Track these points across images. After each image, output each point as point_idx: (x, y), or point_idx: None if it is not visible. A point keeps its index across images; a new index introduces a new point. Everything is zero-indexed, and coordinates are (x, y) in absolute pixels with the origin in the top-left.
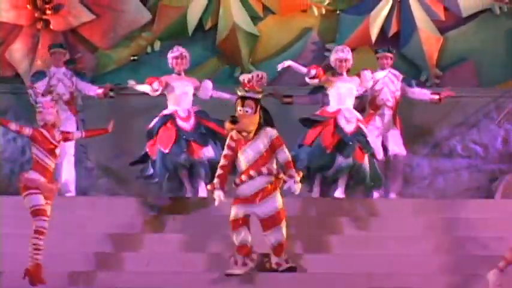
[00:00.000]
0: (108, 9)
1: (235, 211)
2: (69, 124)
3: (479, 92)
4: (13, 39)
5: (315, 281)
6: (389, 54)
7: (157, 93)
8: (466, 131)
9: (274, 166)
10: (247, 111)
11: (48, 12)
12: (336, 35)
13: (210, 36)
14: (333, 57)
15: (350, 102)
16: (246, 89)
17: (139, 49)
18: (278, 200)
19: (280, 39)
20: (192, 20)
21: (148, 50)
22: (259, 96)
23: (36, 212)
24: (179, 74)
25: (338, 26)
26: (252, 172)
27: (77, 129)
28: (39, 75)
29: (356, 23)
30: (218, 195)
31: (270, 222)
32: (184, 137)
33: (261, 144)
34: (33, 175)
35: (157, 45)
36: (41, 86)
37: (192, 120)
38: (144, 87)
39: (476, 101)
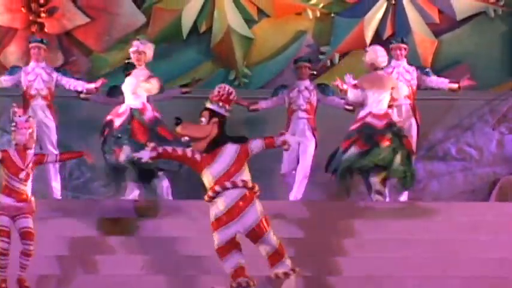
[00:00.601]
0: (102, 13)
1: (218, 237)
2: (48, 122)
3: (474, 95)
4: (8, 42)
5: (313, 283)
6: (402, 45)
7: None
8: (461, 133)
9: (247, 178)
10: (201, 121)
11: (42, 15)
12: (331, 38)
13: (205, 39)
14: (367, 57)
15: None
16: (213, 101)
17: None
18: (258, 208)
19: (275, 42)
20: (187, 23)
21: None
22: (220, 110)
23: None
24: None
25: (333, 29)
26: (217, 187)
27: (56, 127)
28: (14, 70)
29: (351, 26)
30: (145, 153)
31: (256, 233)
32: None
33: (227, 157)
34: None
35: None
36: (8, 80)
37: (124, 117)
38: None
39: (471, 103)
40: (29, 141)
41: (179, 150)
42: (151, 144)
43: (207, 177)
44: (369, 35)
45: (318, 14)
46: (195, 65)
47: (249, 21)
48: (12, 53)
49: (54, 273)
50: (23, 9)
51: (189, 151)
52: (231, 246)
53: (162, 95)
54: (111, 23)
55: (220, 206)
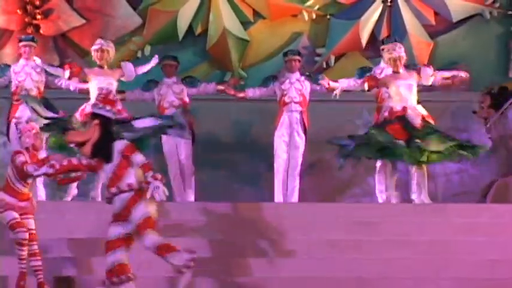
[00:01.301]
0: (98, 14)
1: (110, 231)
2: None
3: (469, 97)
4: (3, 44)
5: (307, 284)
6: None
7: (71, 82)
8: (457, 135)
9: (133, 181)
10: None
11: (38, 17)
12: (326, 40)
13: (201, 41)
14: (386, 57)
15: (413, 99)
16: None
17: (129, 54)
18: (148, 206)
19: (271, 44)
20: (183, 25)
21: (139, 54)
22: (100, 111)
23: (14, 226)
24: (101, 68)
25: (328, 31)
26: (113, 189)
27: None
28: (4, 68)
29: (346, 28)
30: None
31: (140, 228)
32: None
33: (114, 160)
34: (2, 196)
35: (147, 50)
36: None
37: None
38: (57, 71)
39: (467, 105)
40: (36, 141)
41: (74, 161)
42: (51, 162)
43: (104, 180)
44: (364, 37)
45: (314, 16)
46: (191, 67)
47: (245, 23)
48: (8, 54)
49: (54, 274)
50: (18, 11)
51: (83, 159)
52: (120, 242)
53: (198, 89)
54: (106, 25)
55: (116, 204)
